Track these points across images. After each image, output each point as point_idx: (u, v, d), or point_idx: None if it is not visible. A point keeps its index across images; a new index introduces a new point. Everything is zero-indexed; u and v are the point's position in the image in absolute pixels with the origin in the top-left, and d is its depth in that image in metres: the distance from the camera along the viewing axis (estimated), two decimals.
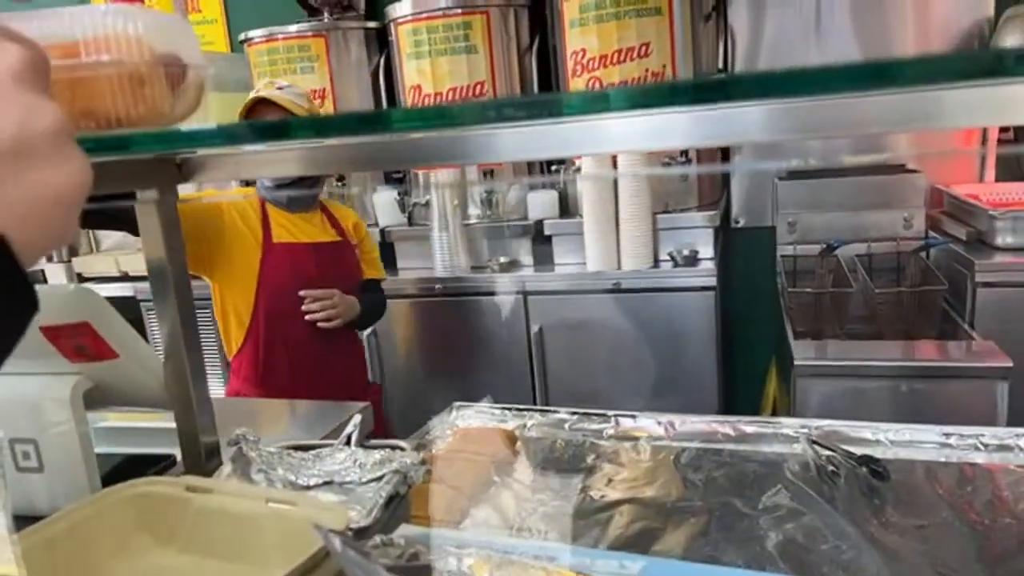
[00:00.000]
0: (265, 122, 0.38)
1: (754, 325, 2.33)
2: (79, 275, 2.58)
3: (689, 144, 0.59)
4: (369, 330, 2.01)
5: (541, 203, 2.09)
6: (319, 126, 0.52)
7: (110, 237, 2.67)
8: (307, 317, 1.56)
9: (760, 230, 2.32)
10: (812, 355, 1.52)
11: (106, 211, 1.21)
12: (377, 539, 0.57)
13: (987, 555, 0.70)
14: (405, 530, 0.73)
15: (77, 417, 0.72)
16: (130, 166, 0.74)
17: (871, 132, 0.53)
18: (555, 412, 1.11)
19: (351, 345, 1.73)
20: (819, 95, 0.34)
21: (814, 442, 0.92)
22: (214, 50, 2.91)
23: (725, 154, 2.29)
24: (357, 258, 1.72)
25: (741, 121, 0.56)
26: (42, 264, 2.60)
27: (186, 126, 0.44)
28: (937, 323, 1.72)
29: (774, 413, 1.90)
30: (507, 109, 0.40)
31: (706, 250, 1.91)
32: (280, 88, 1.54)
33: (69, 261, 2.61)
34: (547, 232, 2.03)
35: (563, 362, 1.97)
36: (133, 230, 1.07)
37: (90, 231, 2.70)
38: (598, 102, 0.35)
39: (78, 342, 0.71)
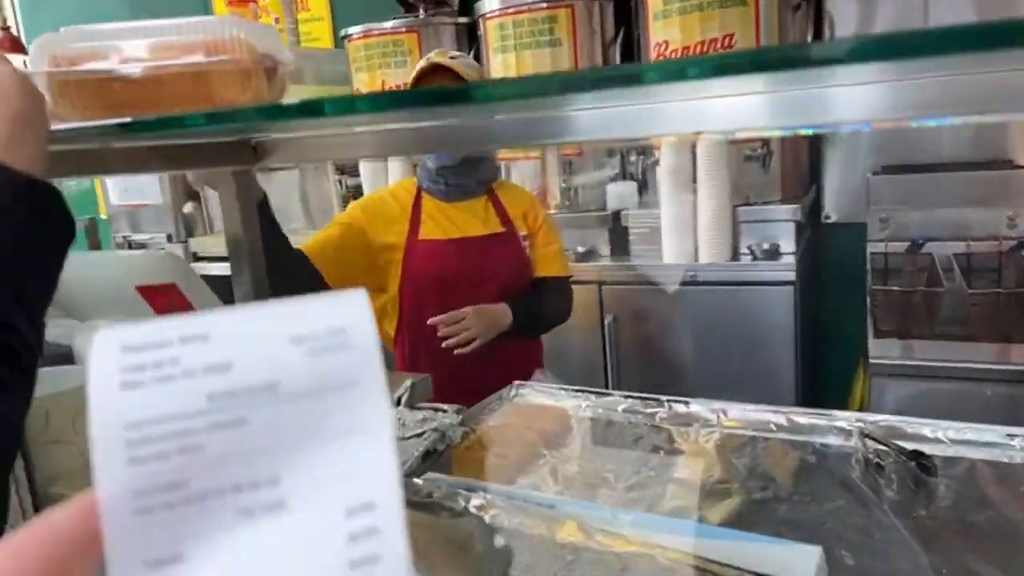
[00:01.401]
0: (333, 98, 0.43)
1: (843, 324, 2.26)
2: (194, 254, 2.78)
3: (775, 125, 0.59)
4: None
5: (619, 194, 2.10)
6: (390, 100, 0.54)
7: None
8: (443, 344, 1.40)
9: (852, 226, 2.24)
10: (892, 354, 1.48)
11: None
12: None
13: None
14: (430, 476, 0.78)
15: None
16: (214, 148, 0.82)
17: (972, 115, 0.51)
18: (609, 395, 1.13)
19: (522, 351, 1.54)
20: (913, 59, 0.33)
21: (866, 435, 0.91)
22: (320, 46, 3.07)
23: (813, 150, 2.22)
24: (524, 252, 1.53)
25: (830, 100, 0.55)
26: (162, 242, 2.82)
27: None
28: None
29: None
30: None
31: (787, 244, 1.87)
32: (453, 57, 1.43)
33: (186, 241, 2.81)
34: (624, 223, 2.04)
35: (636, 353, 1.98)
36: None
37: (206, 215, 2.92)
38: (676, 71, 0.37)
39: (168, 300, 0.81)
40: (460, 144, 0.95)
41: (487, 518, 0.70)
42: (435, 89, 1.13)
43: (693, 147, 1.83)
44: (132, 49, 0.43)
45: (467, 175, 1.51)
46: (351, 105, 0.48)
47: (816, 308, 2.19)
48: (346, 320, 0.28)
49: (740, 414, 1.03)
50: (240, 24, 0.47)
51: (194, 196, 2.92)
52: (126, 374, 0.26)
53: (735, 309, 1.84)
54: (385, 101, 0.47)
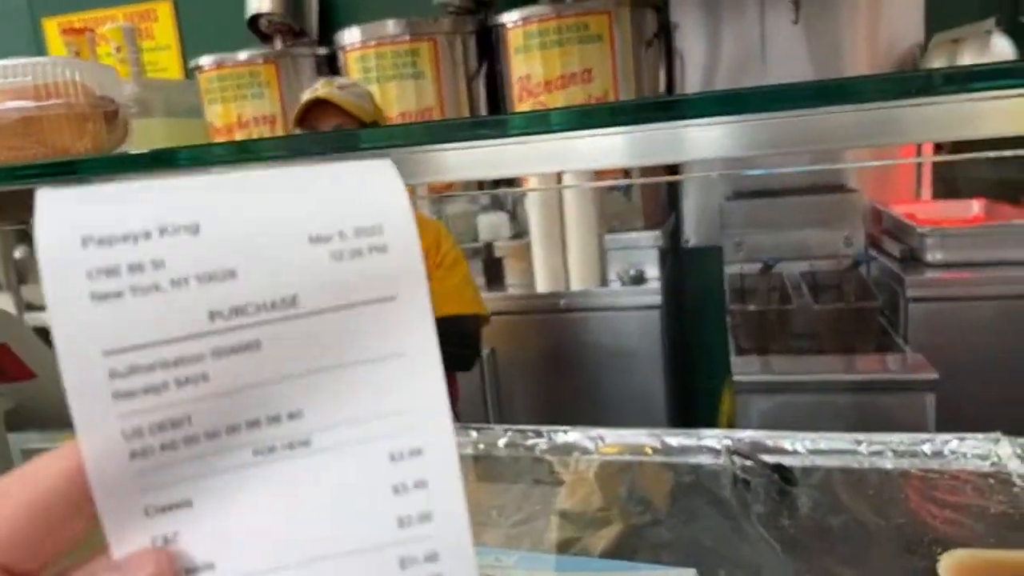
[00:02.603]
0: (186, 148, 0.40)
1: (707, 344, 2.37)
2: (28, 304, 2.55)
3: (632, 162, 0.61)
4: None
5: (491, 224, 2.12)
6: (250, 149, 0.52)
7: None
8: None
9: (710, 250, 2.38)
10: (752, 370, 1.56)
11: None
12: None
13: (880, 554, 0.73)
14: None
15: None
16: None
17: (810, 148, 0.56)
18: (490, 429, 1.12)
19: None
20: (757, 113, 0.36)
21: (733, 452, 0.95)
22: (167, 76, 2.92)
23: (671, 177, 2.34)
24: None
25: (685, 138, 0.59)
26: None
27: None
28: (875, 338, 1.77)
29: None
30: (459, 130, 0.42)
31: (652, 269, 1.95)
32: (341, 88, 1.35)
33: (17, 289, 2.58)
34: (497, 254, 2.06)
35: (515, 384, 1.99)
36: None
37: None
38: (540, 122, 0.37)
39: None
40: None
41: None
42: (312, 136, 1.08)
43: (559, 178, 1.88)
44: None
45: None
46: (210, 153, 0.45)
47: (681, 330, 2.30)
48: (381, 212, 0.23)
49: (616, 439, 1.05)
50: (74, 65, 0.44)
51: (26, 239, 2.69)
52: (96, 281, 0.20)
53: (607, 334, 1.90)
54: (245, 151, 0.45)
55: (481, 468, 1.03)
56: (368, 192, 0.23)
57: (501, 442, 1.09)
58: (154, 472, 0.21)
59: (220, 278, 0.21)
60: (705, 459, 0.97)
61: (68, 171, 0.41)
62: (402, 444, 0.23)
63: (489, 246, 2.07)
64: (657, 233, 1.97)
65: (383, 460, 0.23)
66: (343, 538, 0.22)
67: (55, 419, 0.80)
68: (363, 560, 0.22)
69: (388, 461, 0.23)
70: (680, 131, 0.59)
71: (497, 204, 2.19)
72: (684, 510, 0.84)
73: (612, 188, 1.94)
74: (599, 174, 1.92)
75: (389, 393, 0.23)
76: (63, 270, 0.20)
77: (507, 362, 1.99)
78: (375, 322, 0.22)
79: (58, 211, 0.21)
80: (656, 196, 2.18)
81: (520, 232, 2.12)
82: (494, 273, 2.08)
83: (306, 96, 1.39)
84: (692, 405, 2.30)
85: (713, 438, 1.01)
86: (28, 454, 1.12)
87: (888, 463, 0.91)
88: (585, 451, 1.04)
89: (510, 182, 2.18)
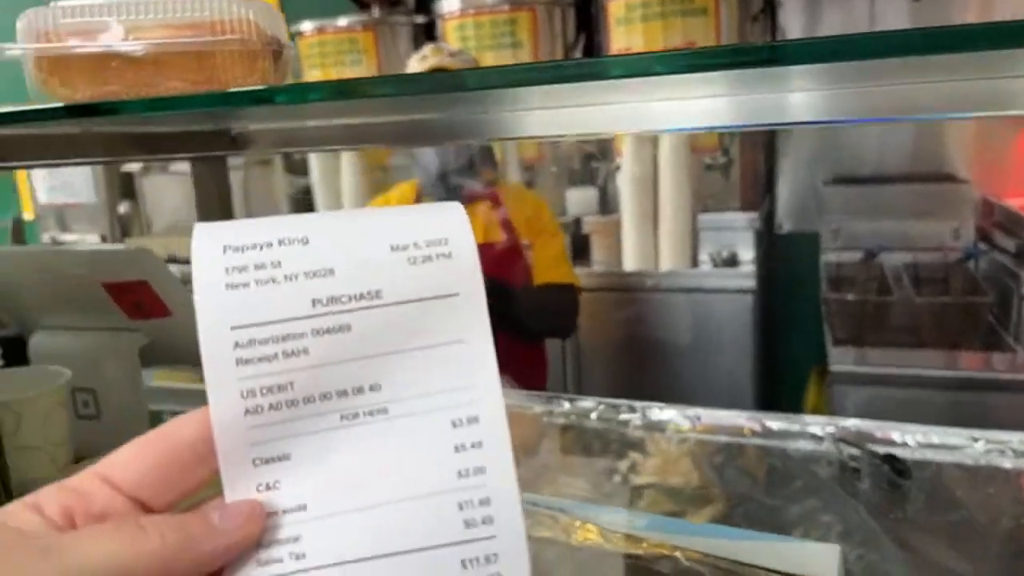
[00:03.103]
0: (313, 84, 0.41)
1: (797, 333, 2.30)
2: None
3: (732, 123, 0.60)
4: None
5: (580, 200, 2.10)
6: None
7: (162, 220, 2.77)
8: None
9: (805, 236, 2.30)
10: (850, 361, 1.51)
11: None
12: None
13: (1000, 554, 0.69)
14: None
15: (133, 370, 0.78)
16: (194, 136, 0.79)
17: (919, 117, 0.54)
18: (582, 400, 1.12)
19: (524, 356, 1.45)
20: (868, 58, 0.34)
21: (840, 439, 0.92)
22: None
23: (769, 160, 2.27)
24: (524, 260, 1.45)
25: (788, 103, 0.57)
26: (96, 244, 2.71)
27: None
28: (982, 335, 1.68)
29: None
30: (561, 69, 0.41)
31: (746, 252, 1.90)
32: (451, 55, 1.38)
33: (122, 242, 2.71)
34: (585, 230, 2.04)
35: (597, 360, 1.98)
36: None
37: (144, 214, 2.81)
38: (640, 64, 0.36)
39: (136, 299, 0.76)
40: (421, 140, 0.93)
41: None
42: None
43: (655, 155, 1.85)
44: (130, 26, 0.40)
45: (468, 177, 1.46)
46: (379, 86, 0.46)
47: (773, 316, 2.23)
48: (447, 230, 0.28)
49: (714, 419, 1.03)
50: (247, 3, 0.45)
51: (130, 194, 2.81)
52: (230, 275, 0.26)
53: (695, 316, 1.86)
54: (393, 87, 0.45)
55: (569, 439, 1.03)
56: (435, 215, 0.29)
57: (593, 415, 1.08)
58: (262, 429, 0.26)
59: (322, 275, 0.27)
60: (807, 445, 0.95)
61: (266, 99, 0.42)
62: (462, 413, 0.27)
63: (577, 221, 2.05)
64: (754, 215, 1.92)
65: (446, 426, 0.27)
66: (412, 486, 0.27)
67: (185, 356, 0.84)
68: (427, 502, 0.27)
69: (450, 427, 0.27)
70: (785, 96, 0.57)
71: (587, 179, 2.16)
72: (788, 495, 0.81)
73: (709, 166, 1.89)
74: (697, 150, 1.88)
75: (452, 372, 0.28)
76: (207, 267, 0.27)
77: (589, 339, 1.98)
78: (442, 313, 0.27)
79: (208, 230, 0.28)
80: (754, 176, 2.12)
81: (609, 208, 2.10)
82: (581, 249, 2.06)
83: (425, 65, 1.39)
84: (778, 393, 2.24)
85: (816, 425, 0.98)
86: (155, 391, 1.17)
87: (1007, 462, 0.87)
88: (679, 429, 1.02)
89: (603, 154, 2.15)
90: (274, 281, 0.26)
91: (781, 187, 2.32)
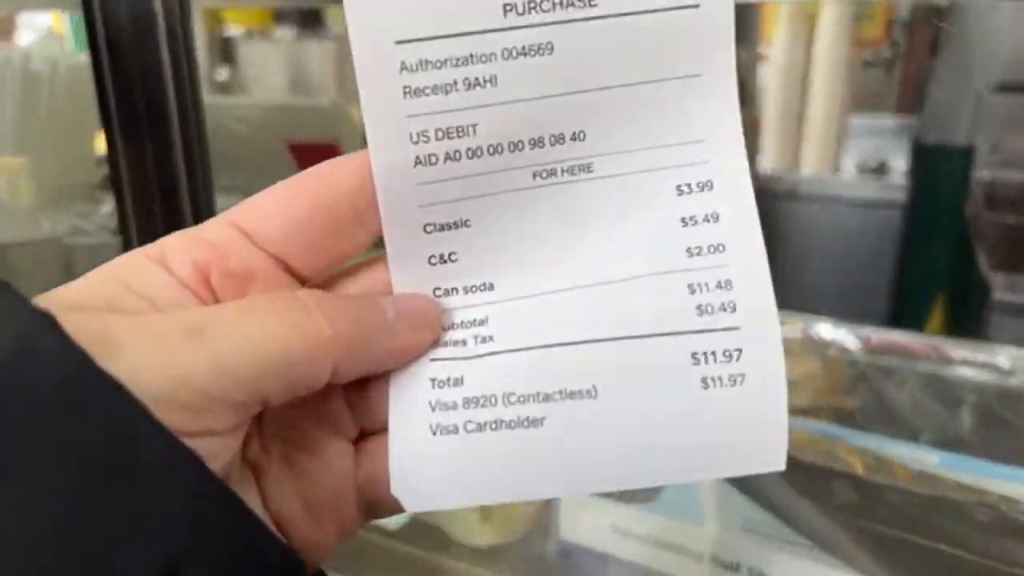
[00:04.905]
0: None
1: (929, 254, 2.14)
2: None
3: None
4: None
5: None
6: None
7: (260, 91, 2.73)
8: None
9: (956, 149, 2.09)
10: (1019, 288, 1.37)
11: None
12: None
13: None
14: None
15: None
16: None
17: None
18: None
19: None
20: None
21: None
22: None
23: (932, 59, 2.04)
24: None
25: None
26: None
27: None
28: None
29: None
30: None
31: (897, 162, 1.74)
32: None
33: None
34: None
35: None
36: None
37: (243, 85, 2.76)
38: None
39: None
40: None
41: None
42: None
43: (809, 44, 1.67)
44: None
45: None
46: None
47: (913, 233, 2.07)
48: None
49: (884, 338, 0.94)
50: None
51: (228, 60, 2.73)
52: None
53: (834, 225, 1.73)
54: None
55: None
56: None
57: None
58: (436, 185, 0.21)
59: None
60: (993, 377, 0.85)
61: None
62: (691, 175, 0.22)
63: None
64: (910, 122, 1.73)
65: (670, 191, 0.22)
66: (624, 264, 0.21)
67: None
68: (646, 284, 0.21)
69: (675, 193, 0.22)
70: None
71: None
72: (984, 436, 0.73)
73: (869, 63, 1.71)
74: (860, 42, 1.69)
75: (681, 118, 0.21)
76: None
77: None
78: (673, 35, 0.21)
79: None
80: (916, 78, 1.91)
81: (744, 100, 1.94)
82: None
83: None
84: (904, 314, 2.11)
85: (1005, 358, 0.88)
86: None
87: None
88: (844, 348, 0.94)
89: (744, 39, 1.97)
90: None
91: (935, 92, 2.10)
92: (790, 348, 0.94)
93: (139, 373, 0.16)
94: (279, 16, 2.32)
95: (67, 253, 0.77)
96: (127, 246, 0.53)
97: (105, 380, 0.15)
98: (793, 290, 1.78)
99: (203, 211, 0.51)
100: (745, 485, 0.52)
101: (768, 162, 1.78)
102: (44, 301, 0.18)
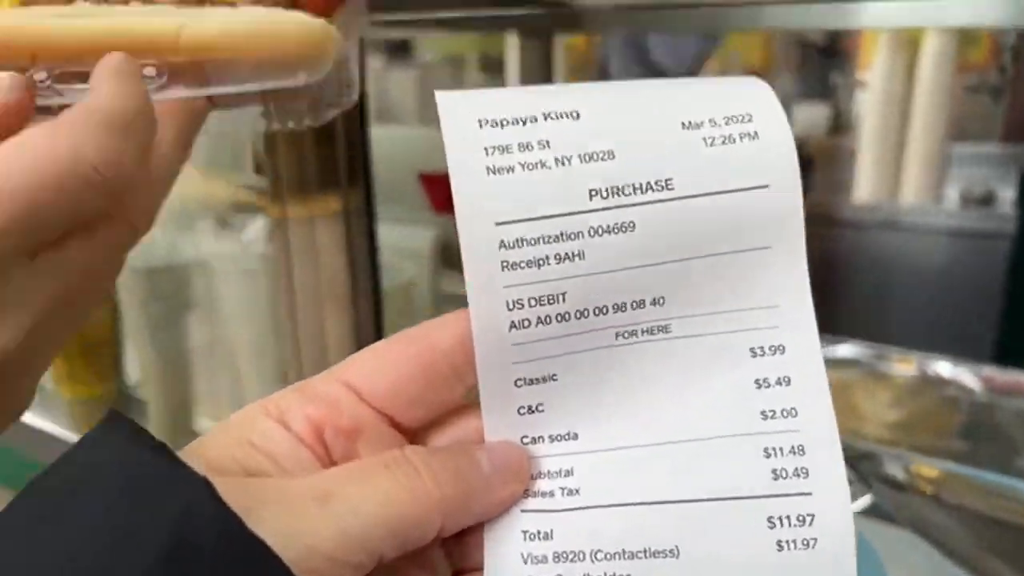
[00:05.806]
0: None
1: None
2: None
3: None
4: None
5: (807, 117, 1.90)
6: None
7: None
8: None
9: None
10: None
11: None
12: None
13: None
14: None
15: (433, 270, 0.75)
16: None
17: None
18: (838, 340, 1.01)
19: None
20: None
21: None
22: None
23: None
24: None
25: None
26: None
27: None
28: None
29: None
30: None
31: (1005, 191, 1.65)
32: None
33: None
34: (808, 151, 1.85)
35: (815, 299, 1.82)
36: None
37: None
38: None
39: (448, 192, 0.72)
40: None
41: None
42: None
43: (909, 71, 1.61)
44: None
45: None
46: None
47: (1021, 265, 1.97)
48: (750, 104, 0.23)
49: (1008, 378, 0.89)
50: None
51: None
52: (491, 156, 0.22)
53: (935, 257, 1.66)
54: None
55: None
56: (735, 88, 0.23)
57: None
58: (527, 345, 0.22)
59: (600, 158, 0.22)
60: None
61: None
62: (763, 338, 0.22)
63: (803, 143, 1.86)
64: (1018, 149, 1.65)
65: (744, 353, 0.22)
66: (701, 423, 0.22)
67: None
68: (724, 445, 0.22)
69: (749, 355, 0.22)
70: None
71: (822, 93, 1.95)
72: None
73: (975, 88, 1.64)
74: (964, 67, 1.63)
75: (753, 286, 0.23)
76: (463, 145, 0.22)
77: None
78: (745, 210, 0.22)
79: (458, 100, 0.23)
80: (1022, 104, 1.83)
81: (841, 128, 1.89)
82: (803, 175, 1.87)
83: None
84: (1016, 350, 2.00)
85: None
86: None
87: None
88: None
89: (842, 66, 1.91)
90: (543, 165, 0.22)
91: None
92: (905, 386, 0.90)
93: (276, 539, 0.18)
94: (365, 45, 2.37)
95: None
96: None
97: (258, 546, 0.18)
98: (892, 324, 1.71)
99: None
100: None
101: (865, 191, 1.72)
102: (189, 457, 0.20)
